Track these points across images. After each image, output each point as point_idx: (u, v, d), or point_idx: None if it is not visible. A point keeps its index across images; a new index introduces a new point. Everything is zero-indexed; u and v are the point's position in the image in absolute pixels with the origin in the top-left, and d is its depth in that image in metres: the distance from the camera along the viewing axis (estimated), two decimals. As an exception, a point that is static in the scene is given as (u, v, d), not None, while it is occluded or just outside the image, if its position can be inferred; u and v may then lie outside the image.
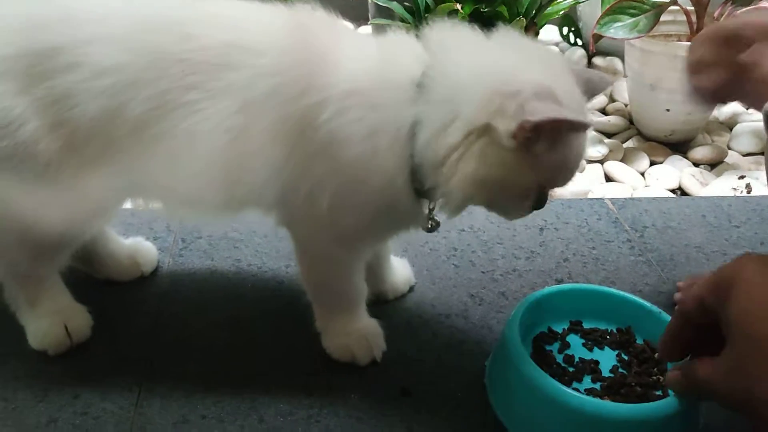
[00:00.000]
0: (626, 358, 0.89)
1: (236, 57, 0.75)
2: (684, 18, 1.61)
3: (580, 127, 0.70)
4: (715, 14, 1.60)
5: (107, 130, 0.76)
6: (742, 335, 0.66)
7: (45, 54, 0.75)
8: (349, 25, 2.31)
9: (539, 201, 0.77)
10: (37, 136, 0.76)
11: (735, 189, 1.46)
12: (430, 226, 0.83)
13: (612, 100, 1.91)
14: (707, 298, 0.71)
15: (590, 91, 0.77)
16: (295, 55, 0.76)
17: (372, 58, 0.77)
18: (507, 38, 0.76)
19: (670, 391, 0.79)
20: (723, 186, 1.50)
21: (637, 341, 0.92)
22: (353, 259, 0.88)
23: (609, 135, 1.76)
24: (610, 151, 1.65)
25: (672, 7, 1.55)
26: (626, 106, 1.84)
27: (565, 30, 2.17)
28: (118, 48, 0.75)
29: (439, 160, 0.72)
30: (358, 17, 2.30)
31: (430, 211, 0.82)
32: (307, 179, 0.77)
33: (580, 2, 1.75)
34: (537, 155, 0.70)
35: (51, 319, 0.92)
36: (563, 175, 0.76)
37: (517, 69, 0.71)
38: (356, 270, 0.89)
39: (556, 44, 2.23)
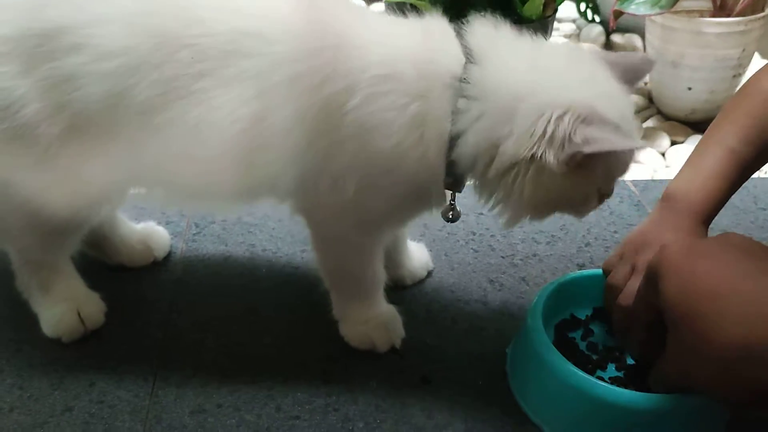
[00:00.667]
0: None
1: (248, 44, 0.72)
2: (706, -7, 1.57)
3: (629, 152, 0.70)
4: (739, -11, 1.55)
5: (111, 115, 0.74)
6: (673, 320, 0.68)
7: (48, 34, 0.72)
8: (362, 2, 2.28)
9: (605, 196, 0.78)
10: (38, 119, 0.74)
11: (763, 170, 1.42)
12: (450, 216, 0.82)
13: (631, 78, 1.87)
14: (645, 294, 0.73)
15: (634, 78, 0.76)
16: (314, 41, 0.73)
17: (408, 45, 0.73)
18: (544, 44, 0.76)
19: None
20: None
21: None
22: (373, 244, 0.86)
23: (628, 114, 1.72)
24: (630, 130, 1.62)
25: (695, -18, 1.51)
26: (646, 84, 1.80)
27: (582, 6, 2.12)
28: (123, 30, 0.72)
29: (492, 176, 0.72)
30: (371, -4, 2.26)
31: (452, 201, 0.81)
32: (331, 166, 0.75)
33: (599, -23, 1.71)
34: (591, 171, 0.71)
35: (64, 306, 0.91)
36: (620, 173, 0.76)
37: (563, 86, 0.70)
38: (375, 255, 0.87)
39: (573, 21, 2.18)
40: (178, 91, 0.72)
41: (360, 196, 0.76)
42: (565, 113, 0.67)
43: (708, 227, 0.86)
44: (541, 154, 0.68)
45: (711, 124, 0.90)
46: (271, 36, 0.73)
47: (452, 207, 0.81)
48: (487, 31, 0.75)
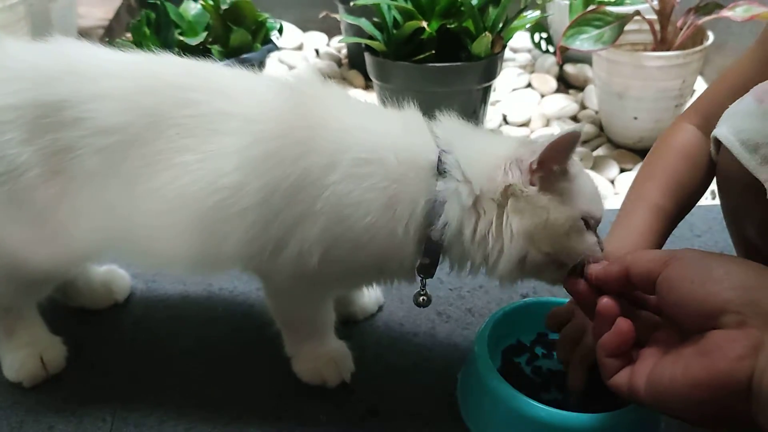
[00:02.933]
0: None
1: (231, 123, 0.78)
2: (648, 28, 1.65)
3: (571, 138, 0.74)
4: (678, 24, 1.63)
5: (101, 182, 0.79)
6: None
7: (53, 106, 0.78)
8: (324, 37, 2.35)
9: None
10: (37, 183, 0.79)
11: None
12: (422, 300, 0.86)
13: (583, 107, 1.94)
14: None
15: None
16: (291, 122, 0.78)
17: (389, 133, 0.79)
18: (492, 135, 0.89)
19: None
20: (689, 193, 1.53)
21: None
22: (326, 297, 0.91)
23: (580, 143, 1.79)
24: (581, 159, 1.68)
25: (636, 17, 1.58)
26: (596, 113, 1.87)
27: (536, 37, 2.19)
28: (121, 108, 0.78)
29: (478, 235, 0.77)
30: (332, 31, 2.33)
31: (423, 286, 0.85)
32: (299, 237, 0.79)
33: (546, 16, 1.78)
34: (561, 188, 0.76)
35: (26, 351, 0.94)
36: (591, 201, 0.79)
37: (506, 143, 0.79)
38: (325, 304, 0.92)
39: (529, 51, 2.26)
40: (165, 162, 0.78)
41: (323, 267, 0.80)
42: (516, 155, 0.76)
43: None
44: (509, 185, 0.75)
45: (633, 182, 0.95)
46: (252, 117, 0.79)
47: (423, 293, 0.85)
48: (453, 125, 0.83)
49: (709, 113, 0.90)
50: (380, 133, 0.79)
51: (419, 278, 0.84)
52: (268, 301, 0.92)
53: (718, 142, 0.85)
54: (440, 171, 0.77)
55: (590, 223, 0.78)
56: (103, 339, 1.02)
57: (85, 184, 0.79)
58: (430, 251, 0.80)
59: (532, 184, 0.76)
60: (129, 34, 1.68)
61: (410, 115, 0.83)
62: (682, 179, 0.91)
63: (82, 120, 0.77)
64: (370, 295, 1.07)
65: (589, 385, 0.89)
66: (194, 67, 0.84)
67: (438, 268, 0.82)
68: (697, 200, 0.95)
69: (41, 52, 0.82)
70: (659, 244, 0.90)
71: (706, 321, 0.60)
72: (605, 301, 0.70)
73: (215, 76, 0.83)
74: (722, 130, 0.83)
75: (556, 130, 1.80)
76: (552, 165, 0.75)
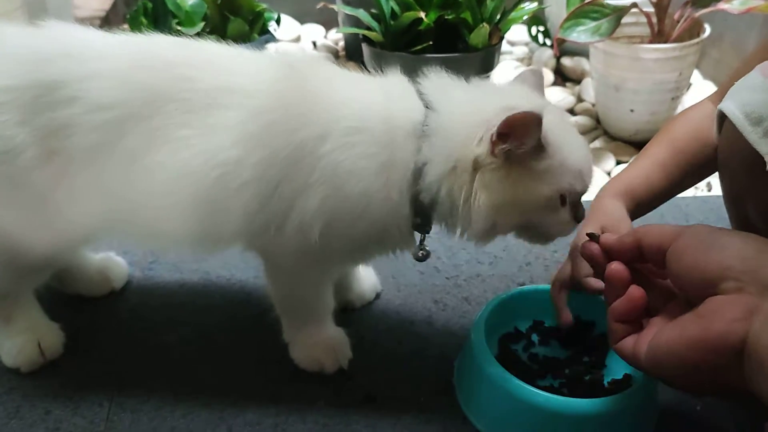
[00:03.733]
0: (584, 352, 0.94)
1: (229, 98, 0.78)
2: (645, 20, 1.65)
3: (525, 119, 0.73)
4: (675, 16, 1.63)
5: (99, 161, 0.79)
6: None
7: (48, 86, 0.78)
8: (321, 30, 2.34)
9: (575, 210, 0.81)
10: (33, 165, 0.79)
11: (696, 187, 1.49)
12: (421, 255, 0.86)
13: (580, 100, 1.94)
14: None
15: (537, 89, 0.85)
16: (287, 96, 0.79)
17: (375, 101, 0.80)
18: (483, 84, 0.85)
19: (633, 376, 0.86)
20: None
21: (594, 334, 0.95)
22: (326, 278, 0.91)
23: (576, 135, 1.79)
24: (577, 151, 1.68)
25: (633, 10, 1.58)
26: (593, 105, 1.88)
27: (533, 30, 2.19)
28: (116, 85, 0.78)
29: (453, 199, 0.78)
30: (329, 23, 2.33)
31: (422, 241, 0.86)
32: (299, 209, 0.79)
33: (543, 7, 1.78)
34: (534, 165, 0.76)
35: (24, 337, 0.94)
36: (574, 177, 0.78)
37: (490, 104, 0.77)
38: (327, 285, 0.92)
39: (526, 44, 2.26)
40: (163, 137, 0.78)
41: (325, 239, 0.80)
42: (488, 119, 0.75)
43: (628, 205, 0.93)
44: (475, 156, 0.75)
45: (644, 147, 1.01)
46: (250, 91, 0.79)
47: (422, 246, 0.86)
48: (441, 82, 0.83)
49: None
50: (368, 102, 0.80)
51: (418, 235, 0.85)
52: (268, 283, 0.92)
53: (721, 122, 0.85)
54: (424, 132, 0.78)
55: (568, 198, 0.79)
56: (100, 326, 1.03)
57: (83, 163, 0.79)
58: (420, 212, 0.81)
59: (493, 154, 0.75)
60: (126, 25, 1.68)
61: (395, 80, 0.84)
62: (686, 142, 0.95)
63: (78, 98, 0.77)
64: (368, 283, 1.07)
65: (582, 374, 0.90)
66: (190, 45, 0.84)
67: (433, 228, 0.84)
68: (703, 173, 0.98)
69: (35, 35, 0.82)
70: (653, 188, 0.95)
71: (707, 288, 0.60)
72: (615, 267, 0.70)
73: (212, 53, 0.83)
74: (727, 104, 0.83)
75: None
76: (515, 141, 0.74)
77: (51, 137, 0.78)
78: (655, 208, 0.98)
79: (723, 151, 0.89)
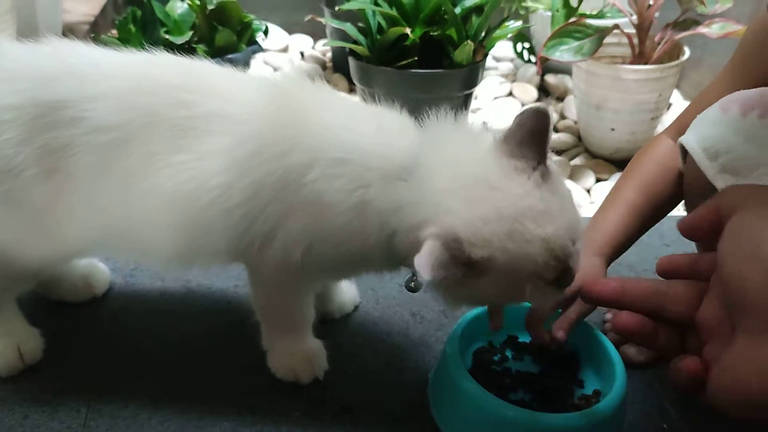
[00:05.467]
0: (556, 368, 0.96)
1: (223, 125, 0.80)
2: (627, 41, 1.68)
3: (445, 280, 0.69)
4: (656, 38, 1.67)
5: (97, 181, 0.81)
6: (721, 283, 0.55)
7: (52, 106, 0.79)
8: (309, 40, 2.36)
9: (562, 282, 0.75)
10: (33, 182, 0.80)
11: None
12: (412, 285, 0.86)
13: (562, 117, 1.97)
14: (704, 226, 0.60)
15: (539, 137, 0.73)
16: (278, 121, 0.81)
17: (366, 134, 0.80)
18: (474, 165, 0.75)
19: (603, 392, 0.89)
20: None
21: (567, 350, 0.97)
22: (308, 290, 0.93)
23: (558, 152, 1.82)
24: (559, 168, 1.71)
25: (615, 31, 1.61)
26: (575, 123, 1.91)
27: (519, 47, 2.23)
28: (118, 107, 0.79)
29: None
30: (317, 34, 2.35)
31: (414, 273, 0.82)
32: (283, 231, 0.81)
33: (528, 26, 1.81)
34: (482, 277, 0.72)
35: (4, 342, 0.95)
36: (540, 268, 0.72)
37: (446, 205, 0.72)
38: (308, 298, 0.94)
39: (511, 60, 2.29)
40: (160, 162, 0.80)
41: (307, 258, 0.82)
42: (429, 229, 0.70)
43: (608, 260, 0.94)
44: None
45: (612, 188, 1.01)
46: (241, 117, 0.81)
47: (413, 279, 0.85)
48: (440, 130, 0.79)
49: (685, 128, 0.93)
50: (359, 134, 0.80)
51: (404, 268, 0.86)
52: (251, 290, 0.94)
53: (685, 151, 0.88)
54: (404, 184, 0.76)
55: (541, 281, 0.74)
56: (80, 332, 1.03)
57: (81, 182, 0.80)
58: (397, 254, 0.80)
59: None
60: (114, 31, 1.69)
61: (392, 115, 0.83)
62: (656, 183, 0.96)
63: (80, 119, 0.79)
64: (347, 295, 1.09)
65: (554, 389, 0.92)
66: (190, 68, 0.86)
67: None
68: (672, 205, 0.99)
69: (40, 53, 0.84)
70: (630, 235, 0.96)
71: None
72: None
73: (209, 77, 0.85)
74: (687, 137, 0.86)
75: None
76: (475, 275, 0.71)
77: (51, 156, 0.80)
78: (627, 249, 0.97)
79: (687, 182, 0.92)
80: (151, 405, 0.91)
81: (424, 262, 0.67)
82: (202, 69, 0.86)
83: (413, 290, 0.87)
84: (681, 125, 0.99)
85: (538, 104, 0.78)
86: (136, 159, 0.80)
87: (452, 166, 0.75)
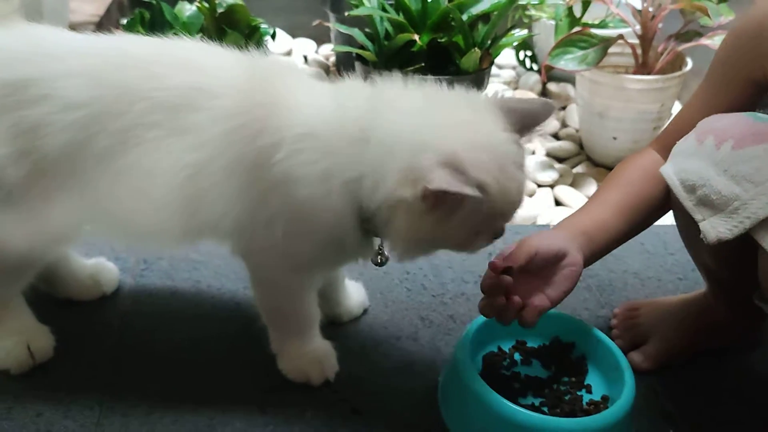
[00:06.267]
0: (564, 373, 0.97)
1: (197, 98, 0.80)
2: (630, 51, 1.70)
3: (474, 200, 0.72)
4: (659, 49, 1.69)
5: (73, 160, 0.80)
6: None
7: (17, 85, 0.79)
8: (313, 44, 2.37)
9: (495, 235, 0.84)
10: (4, 164, 0.80)
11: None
12: (380, 260, 0.89)
13: (564, 125, 1.99)
14: None
15: (532, 123, 0.81)
16: (251, 99, 0.81)
17: (326, 106, 0.82)
18: (441, 97, 0.81)
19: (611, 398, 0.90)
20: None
21: (575, 355, 0.99)
22: (305, 286, 0.93)
23: (560, 160, 1.84)
24: (560, 176, 1.73)
25: (619, 41, 1.63)
26: (577, 131, 1.92)
27: (521, 55, 2.24)
28: (87, 83, 0.79)
29: (382, 217, 0.79)
30: (321, 39, 2.36)
31: (380, 246, 0.88)
32: (262, 211, 0.82)
33: (533, 35, 1.83)
34: (456, 211, 0.75)
35: (14, 339, 0.95)
36: (497, 219, 0.81)
37: (436, 136, 0.75)
38: (308, 295, 0.94)
39: (513, 68, 2.31)
40: (135, 139, 0.79)
41: (287, 241, 0.83)
42: (428, 154, 0.73)
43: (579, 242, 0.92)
44: (404, 195, 0.74)
45: (597, 189, 1.02)
46: (215, 91, 0.81)
47: (380, 252, 0.89)
48: (392, 89, 0.82)
49: (668, 144, 0.94)
50: (318, 106, 0.81)
51: (375, 239, 0.87)
52: (254, 293, 0.95)
53: None
54: (367, 141, 0.78)
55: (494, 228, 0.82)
56: (91, 331, 1.04)
57: (57, 162, 0.80)
58: (365, 220, 0.81)
59: (423, 200, 0.73)
60: (120, 32, 1.70)
61: (350, 84, 0.85)
62: (641, 187, 0.96)
63: (49, 96, 0.79)
64: (356, 298, 1.10)
65: (562, 393, 0.93)
66: (160, 42, 0.86)
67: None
68: (659, 210, 0.98)
69: (4, 35, 0.84)
70: (607, 229, 0.94)
71: None
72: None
73: (182, 51, 0.85)
74: (667, 168, 0.87)
75: (537, 145, 1.86)
76: (442, 204, 0.74)
77: (22, 137, 0.79)
78: (612, 249, 0.96)
79: (675, 203, 0.93)
80: (162, 404, 0.92)
81: (447, 181, 0.70)
82: (171, 43, 0.86)
83: (380, 264, 0.89)
84: (663, 140, 1.00)
85: (548, 100, 0.83)
86: (110, 136, 0.79)
87: (427, 103, 0.79)
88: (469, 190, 0.71)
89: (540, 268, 0.86)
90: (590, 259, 0.92)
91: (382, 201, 0.77)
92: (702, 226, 0.79)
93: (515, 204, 0.81)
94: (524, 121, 0.80)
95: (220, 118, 0.80)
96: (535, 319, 0.85)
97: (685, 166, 0.83)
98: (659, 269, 1.27)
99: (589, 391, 0.94)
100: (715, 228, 0.77)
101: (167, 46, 0.85)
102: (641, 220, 0.97)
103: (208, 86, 0.81)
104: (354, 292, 1.10)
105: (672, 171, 0.86)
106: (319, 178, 0.79)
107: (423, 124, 0.77)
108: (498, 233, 0.84)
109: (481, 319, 0.97)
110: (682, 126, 0.92)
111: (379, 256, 0.89)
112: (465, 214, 0.75)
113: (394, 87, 0.82)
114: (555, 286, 0.87)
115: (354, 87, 0.85)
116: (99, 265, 1.12)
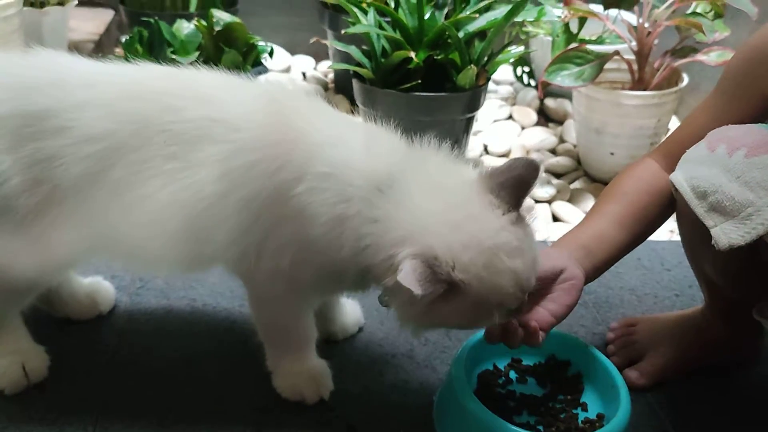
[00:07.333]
0: (559, 391, 0.97)
1: (215, 131, 0.81)
2: (627, 67, 1.71)
3: (420, 298, 0.72)
4: (656, 65, 1.69)
5: (86, 190, 0.81)
6: None
7: (36, 116, 0.80)
8: (311, 61, 2.39)
9: (517, 311, 0.82)
10: (18, 191, 0.81)
11: (672, 231, 1.54)
12: (386, 300, 0.88)
13: (561, 140, 1.99)
14: None
15: (524, 188, 0.79)
16: (273, 133, 0.82)
17: (352, 149, 0.82)
18: (454, 192, 0.80)
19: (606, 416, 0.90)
20: (662, 228, 1.57)
21: (570, 373, 0.98)
22: (304, 305, 0.93)
23: (558, 175, 1.84)
24: (558, 191, 1.73)
25: (615, 57, 1.64)
26: (575, 147, 1.93)
27: (519, 71, 2.25)
28: (105, 115, 0.80)
29: (385, 290, 0.82)
30: (319, 55, 2.37)
31: (384, 290, 0.86)
32: (272, 239, 0.83)
33: (530, 52, 1.84)
34: (450, 300, 0.76)
35: (9, 359, 0.95)
36: (502, 298, 0.78)
37: (426, 229, 0.76)
38: (306, 314, 0.94)
39: (511, 84, 2.31)
40: (151, 170, 0.80)
41: (293, 268, 0.84)
42: (407, 248, 0.74)
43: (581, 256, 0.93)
44: (389, 280, 0.75)
45: (596, 200, 1.02)
46: (236, 125, 0.81)
47: (385, 295, 0.88)
48: (425, 152, 0.83)
49: (671, 153, 0.94)
50: (345, 148, 0.82)
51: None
52: (252, 310, 0.95)
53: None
54: (385, 192, 0.79)
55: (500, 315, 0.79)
56: (86, 350, 1.04)
57: (70, 191, 0.81)
58: (362, 271, 0.82)
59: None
60: (119, 50, 1.71)
61: (381, 132, 0.86)
62: (640, 198, 0.97)
63: (67, 129, 0.79)
64: (352, 316, 1.10)
65: (558, 411, 0.93)
66: (177, 74, 0.87)
67: None
68: (659, 218, 0.99)
69: (24, 63, 0.85)
70: (609, 241, 0.95)
71: None
72: None
73: (198, 82, 0.86)
74: (677, 175, 0.87)
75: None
76: (453, 295, 0.75)
77: (37, 166, 0.80)
78: (616, 261, 0.96)
79: (679, 212, 0.93)
80: (158, 423, 0.92)
81: (409, 278, 0.71)
82: (189, 74, 0.87)
83: (387, 305, 0.89)
84: (666, 149, 1.01)
85: (533, 157, 0.82)
86: (126, 167, 0.80)
87: (433, 189, 0.80)
88: (424, 288, 0.71)
89: (539, 288, 0.86)
90: (592, 272, 0.92)
91: (380, 272, 0.78)
92: (713, 232, 0.78)
93: (513, 294, 0.78)
94: (516, 191, 0.79)
95: (239, 151, 0.81)
96: (541, 338, 0.85)
97: (696, 173, 0.83)
98: (656, 285, 1.27)
99: (585, 410, 0.94)
100: (726, 234, 0.77)
101: (185, 77, 0.86)
102: (641, 230, 0.97)
103: (226, 119, 0.82)
104: (350, 310, 1.10)
105: (682, 178, 0.85)
106: (333, 220, 0.80)
107: (420, 214, 0.77)
108: (515, 311, 0.81)
109: (477, 336, 0.97)
110: (688, 136, 0.92)
111: (385, 297, 0.87)
112: (454, 305, 0.76)
113: (417, 157, 0.83)
114: (556, 301, 0.87)
115: (387, 138, 0.85)
116: (96, 284, 1.12)
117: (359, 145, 0.83)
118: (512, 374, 0.99)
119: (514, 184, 0.79)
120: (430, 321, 0.81)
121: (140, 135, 0.80)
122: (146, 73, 0.86)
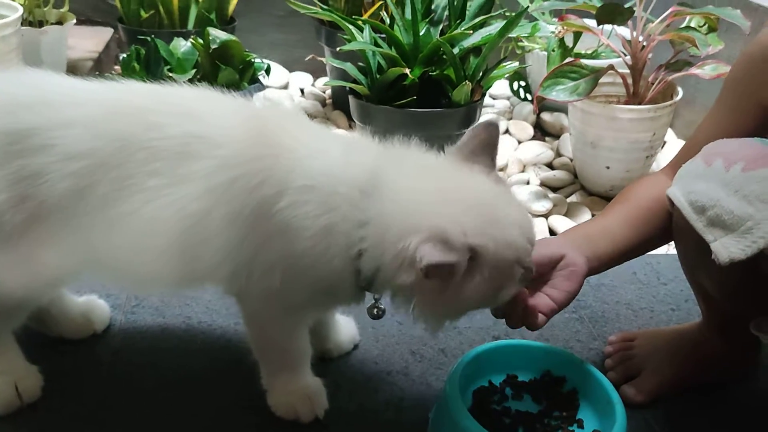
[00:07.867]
0: (555, 407, 0.96)
1: (197, 147, 0.81)
2: (621, 81, 1.72)
3: (452, 265, 0.74)
4: (650, 79, 1.70)
5: (71, 206, 0.81)
6: None
7: (21, 133, 0.80)
8: (309, 78, 2.40)
9: (525, 277, 0.83)
10: (4, 208, 0.81)
11: (668, 245, 1.54)
12: (375, 313, 0.90)
13: (558, 154, 2.00)
14: None
15: (490, 147, 0.84)
16: (254, 149, 0.82)
17: (333, 160, 0.82)
18: (437, 169, 0.83)
19: None
20: (659, 241, 1.58)
21: (566, 389, 0.98)
22: (297, 323, 0.93)
23: (554, 189, 1.84)
24: (555, 205, 1.73)
25: (610, 71, 1.65)
26: (571, 160, 1.93)
27: (515, 85, 2.26)
28: (89, 133, 0.81)
29: (393, 292, 0.82)
30: (317, 72, 2.39)
31: (376, 300, 0.89)
32: (261, 258, 0.83)
33: (524, 67, 1.84)
34: (466, 279, 0.77)
35: (1, 379, 0.95)
36: (513, 268, 0.80)
37: (423, 216, 0.77)
38: (300, 332, 0.94)
39: (507, 98, 2.32)
40: (135, 187, 0.80)
41: (285, 286, 0.84)
42: (415, 237, 0.75)
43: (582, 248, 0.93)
44: (406, 278, 0.75)
45: (605, 208, 1.03)
46: (217, 140, 0.82)
47: (376, 305, 0.90)
48: (399, 149, 0.85)
49: (680, 166, 0.94)
50: (325, 160, 0.82)
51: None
52: (246, 328, 0.95)
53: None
54: (370, 193, 0.79)
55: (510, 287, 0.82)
56: (81, 369, 1.03)
57: (55, 208, 0.81)
58: (364, 281, 0.82)
59: (426, 276, 0.74)
60: (118, 68, 1.72)
61: (361, 141, 0.87)
62: (652, 207, 0.97)
63: (51, 146, 0.80)
64: (346, 333, 1.09)
65: (553, 428, 0.92)
66: (161, 91, 0.87)
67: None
68: (665, 229, 0.98)
69: (8, 82, 0.85)
70: (613, 238, 0.96)
71: None
72: None
73: (180, 99, 0.86)
74: (674, 190, 0.87)
75: (532, 175, 1.86)
76: (441, 279, 0.75)
77: (22, 183, 0.80)
78: (621, 260, 0.98)
79: (676, 227, 0.93)
80: (151, 443, 0.92)
81: (437, 255, 0.72)
82: (172, 92, 0.87)
83: (376, 317, 0.90)
84: (676, 164, 1.00)
85: (489, 118, 0.85)
86: (111, 185, 0.80)
87: (417, 175, 0.82)
88: (456, 256, 0.73)
89: (539, 274, 0.87)
90: (596, 264, 0.93)
91: (385, 275, 0.79)
92: (714, 246, 0.78)
93: (524, 245, 0.81)
94: (487, 153, 0.84)
95: (221, 167, 0.81)
96: (540, 320, 0.87)
97: (694, 188, 0.83)
98: (652, 300, 1.26)
99: (581, 426, 0.93)
100: (727, 248, 0.77)
101: (167, 94, 0.86)
102: (647, 231, 0.98)
103: (209, 135, 0.82)
104: (344, 327, 1.09)
105: (679, 193, 0.85)
106: (319, 233, 0.80)
107: (413, 201, 0.79)
108: (525, 277, 0.84)
109: (472, 353, 0.97)
110: (695, 149, 0.92)
111: (375, 309, 0.89)
112: (478, 276, 0.77)
113: (396, 155, 0.84)
114: (557, 287, 0.89)
115: (363, 144, 0.87)
116: (90, 303, 1.11)
117: (335, 154, 0.83)
118: (508, 390, 0.99)
119: (482, 147, 0.84)
120: (456, 305, 0.81)
121: (123, 152, 0.80)
122: (128, 90, 0.87)
